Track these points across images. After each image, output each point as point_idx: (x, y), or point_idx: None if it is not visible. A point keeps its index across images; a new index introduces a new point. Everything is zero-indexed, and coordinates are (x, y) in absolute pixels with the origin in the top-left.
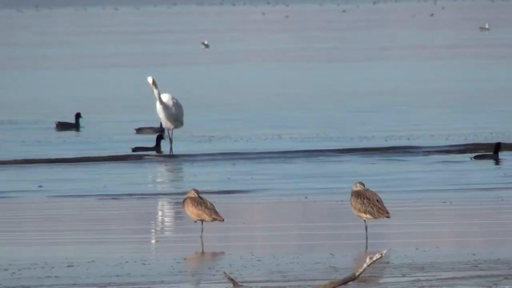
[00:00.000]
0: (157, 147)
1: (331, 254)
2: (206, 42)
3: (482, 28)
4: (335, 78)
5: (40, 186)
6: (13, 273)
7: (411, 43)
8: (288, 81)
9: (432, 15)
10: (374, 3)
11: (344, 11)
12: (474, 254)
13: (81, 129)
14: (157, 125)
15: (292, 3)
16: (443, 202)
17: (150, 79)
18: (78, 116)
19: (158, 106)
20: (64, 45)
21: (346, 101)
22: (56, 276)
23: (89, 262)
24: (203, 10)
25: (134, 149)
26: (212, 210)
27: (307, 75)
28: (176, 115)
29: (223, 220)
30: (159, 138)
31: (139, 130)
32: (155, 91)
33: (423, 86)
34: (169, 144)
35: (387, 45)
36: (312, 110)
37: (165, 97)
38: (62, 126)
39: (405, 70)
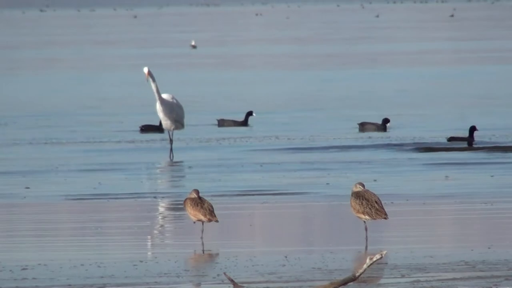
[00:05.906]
0: (470, 138)
1: (331, 254)
2: (193, 43)
3: None
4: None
5: (27, 188)
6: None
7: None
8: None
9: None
10: (370, 2)
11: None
12: (473, 254)
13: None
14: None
15: (292, 2)
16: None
17: (146, 69)
18: (248, 114)
19: (158, 106)
20: (56, 47)
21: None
22: (38, 278)
23: (88, 262)
24: (198, 11)
25: (450, 139)
26: (207, 210)
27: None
28: (176, 115)
29: (217, 221)
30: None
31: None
32: (153, 85)
33: None
34: (169, 146)
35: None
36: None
37: (165, 97)
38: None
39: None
